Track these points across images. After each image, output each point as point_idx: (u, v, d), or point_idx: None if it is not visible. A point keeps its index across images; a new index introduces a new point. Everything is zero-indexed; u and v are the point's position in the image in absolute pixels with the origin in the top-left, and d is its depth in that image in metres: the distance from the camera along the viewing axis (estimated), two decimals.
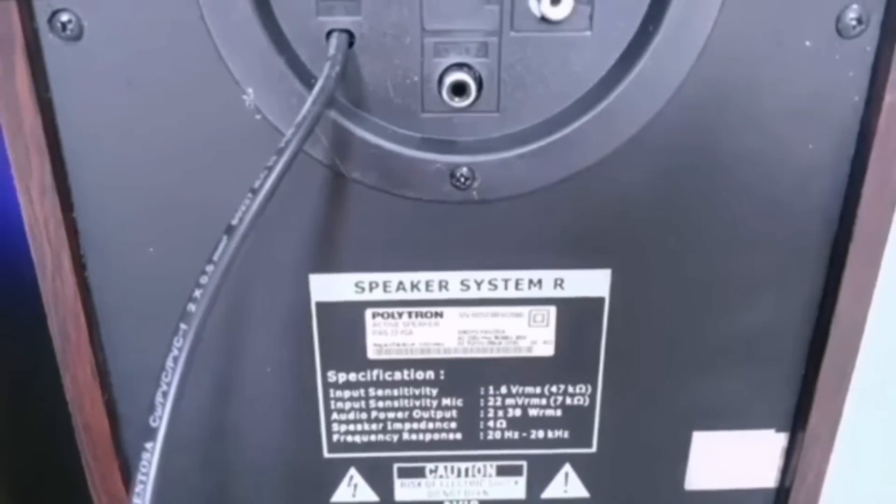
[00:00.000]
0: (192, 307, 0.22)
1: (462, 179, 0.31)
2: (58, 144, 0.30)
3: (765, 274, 0.33)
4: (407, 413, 0.36)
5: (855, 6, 0.29)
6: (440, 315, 0.34)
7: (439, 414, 0.36)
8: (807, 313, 0.34)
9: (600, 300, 0.34)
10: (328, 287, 0.33)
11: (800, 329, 0.34)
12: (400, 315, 0.34)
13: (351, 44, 0.29)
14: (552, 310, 0.34)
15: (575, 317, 0.34)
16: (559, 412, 0.36)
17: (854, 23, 0.29)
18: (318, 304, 0.34)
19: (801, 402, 0.36)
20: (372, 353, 0.35)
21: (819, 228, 0.32)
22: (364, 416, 0.36)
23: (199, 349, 0.22)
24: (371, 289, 0.33)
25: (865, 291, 0.32)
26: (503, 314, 0.34)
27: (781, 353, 0.35)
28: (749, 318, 0.34)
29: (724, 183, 0.31)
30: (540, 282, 0.33)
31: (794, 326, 0.34)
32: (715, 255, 0.33)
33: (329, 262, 0.33)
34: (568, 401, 0.36)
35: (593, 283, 0.34)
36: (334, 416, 0.36)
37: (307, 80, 0.29)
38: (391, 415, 0.36)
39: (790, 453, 0.37)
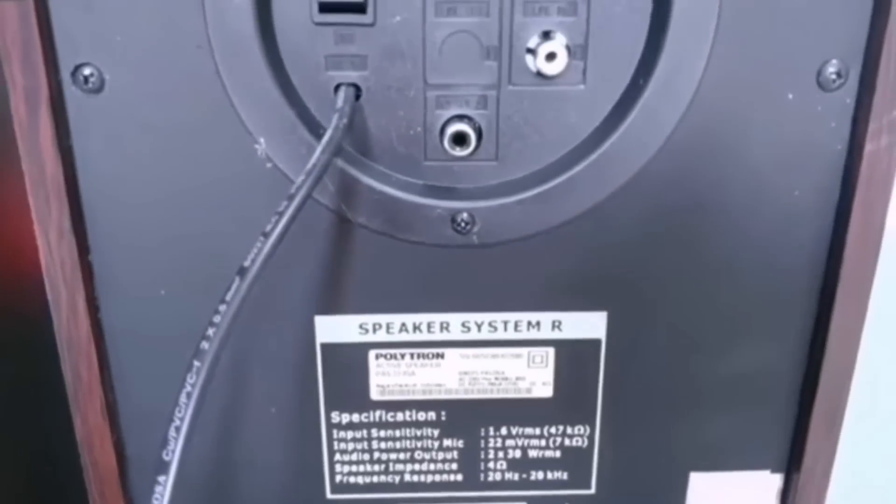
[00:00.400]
0: (205, 345, 0.23)
1: (463, 224, 0.32)
2: (76, 190, 0.31)
3: (756, 316, 0.34)
4: (409, 454, 0.37)
5: (834, 61, 0.30)
6: (441, 356, 0.35)
7: (440, 455, 0.37)
8: (797, 354, 0.35)
9: (597, 342, 0.35)
10: (333, 329, 0.34)
11: (791, 369, 0.35)
12: (402, 356, 0.35)
13: (358, 97, 0.30)
14: (550, 351, 0.35)
15: (573, 358, 0.35)
16: (558, 453, 0.37)
17: (834, 76, 0.30)
18: (323, 346, 0.34)
19: (794, 443, 0.36)
20: (375, 394, 0.36)
21: (807, 271, 0.33)
22: (367, 457, 0.37)
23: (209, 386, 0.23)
24: (375, 330, 0.34)
25: (853, 333, 0.33)
26: (503, 355, 0.35)
27: (774, 393, 0.36)
28: (742, 359, 0.35)
29: (714, 228, 0.33)
30: (538, 324, 0.34)
31: (786, 367, 0.35)
32: (707, 297, 0.34)
33: (334, 304, 0.34)
34: (567, 442, 0.37)
35: (590, 325, 0.35)
36: (337, 456, 0.37)
37: (316, 130, 0.30)
38: (393, 456, 0.37)
39: (786, 493, 0.38)
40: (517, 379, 0.36)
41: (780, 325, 0.34)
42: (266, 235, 0.25)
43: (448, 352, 0.35)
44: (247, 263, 0.24)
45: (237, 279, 0.24)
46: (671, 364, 0.35)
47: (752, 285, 0.34)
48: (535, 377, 0.36)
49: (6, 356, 0.41)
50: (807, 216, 0.33)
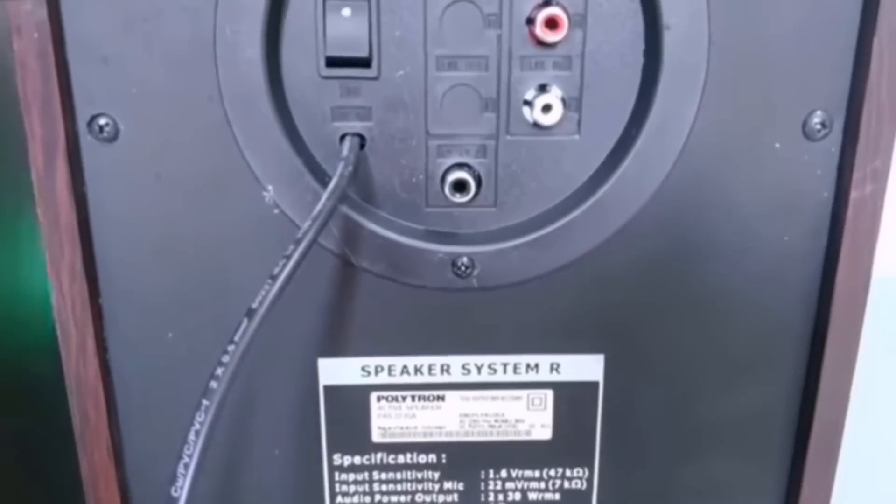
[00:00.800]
0: (214, 384, 0.24)
1: (463, 268, 0.33)
2: (89, 235, 0.32)
3: (750, 359, 0.35)
4: (409, 497, 0.37)
5: (819, 112, 0.32)
6: (442, 399, 0.36)
7: (441, 498, 0.37)
8: (791, 396, 0.35)
9: (594, 385, 0.35)
10: (336, 371, 0.35)
11: (786, 412, 0.36)
12: (404, 398, 0.36)
13: (362, 146, 0.32)
14: (549, 394, 0.36)
15: (571, 401, 0.36)
16: (557, 496, 0.37)
17: (819, 127, 0.32)
18: (326, 388, 0.35)
19: (790, 484, 0.37)
20: (376, 437, 0.36)
21: (798, 315, 0.34)
22: (368, 499, 0.37)
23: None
24: (377, 372, 0.35)
25: (845, 375, 0.34)
26: (502, 398, 0.36)
27: (770, 435, 0.36)
28: (737, 401, 0.35)
29: (707, 272, 0.34)
30: (537, 366, 0.35)
31: (781, 409, 0.36)
32: (701, 341, 0.35)
33: (337, 347, 0.34)
34: (566, 484, 0.37)
35: (588, 367, 0.35)
36: (339, 499, 0.37)
37: (322, 178, 0.31)
38: (394, 498, 0.37)
39: None
40: (517, 421, 0.36)
41: (774, 367, 0.35)
42: (274, 278, 0.26)
43: (449, 394, 0.36)
44: (255, 305, 0.25)
45: (245, 320, 0.25)
46: (668, 406, 0.36)
47: (746, 329, 0.34)
48: (534, 419, 0.36)
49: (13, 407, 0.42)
50: (797, 261, 0.34)
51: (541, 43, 0.30)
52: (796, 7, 0.30)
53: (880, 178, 0.32)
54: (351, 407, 0.35)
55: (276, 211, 0.32)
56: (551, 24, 0.30)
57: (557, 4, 0.30)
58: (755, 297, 0.34)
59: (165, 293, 0.33)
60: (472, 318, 0.34)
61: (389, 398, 0.36)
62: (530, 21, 0.30)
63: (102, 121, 0.31)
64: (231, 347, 0.24)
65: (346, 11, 0.30)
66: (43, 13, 0.29)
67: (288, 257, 0.27)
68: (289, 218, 0.32)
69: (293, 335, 0.34)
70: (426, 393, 0.35)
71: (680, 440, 0.36)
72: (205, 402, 0.23)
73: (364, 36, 0.30)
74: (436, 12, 0.30)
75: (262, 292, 0.26)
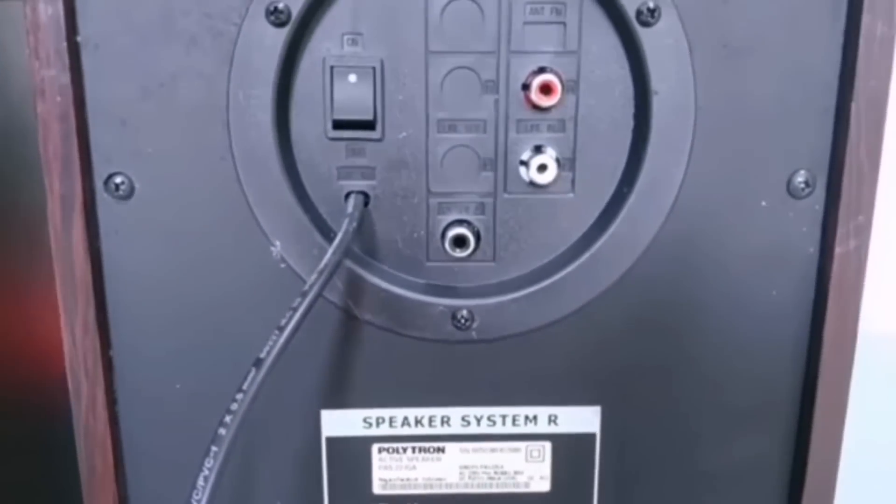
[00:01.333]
0: (222, 431, 0.24)
1: (462, 321, 0.34)
2: (102, 289, 0.33)
3: (744, 409, 0.36)
4: None
5: (802, 171, 0.33)
6: (442, 450, 0.36)
7: None
8: (785, 445, 0.36)
9: (592, 436, 0.36)
10: (338, 423, 0.36)
11: (780, 460, 0.36)
12: (404, 450, 0.36)
13: (366, 203, 0.33)
14: (547, 445, 0.36)
15: (569, 452, 0.36)
16: None
17: (803, 185, 0.33)
18: (329, 439, 0.36)
19: None
20: (377, 488, 0.37)
21: (789, 366, 0.35)
22: None
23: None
24: (378, 424, 0.36)
25: (837, 424, 0.35)
26: (501, 449, 0.36)
27: (765, 482, 0.37)
28: (732, 450, 0.36)
29: (699, 325, 0.35)
30: (535, 418, 0.36)
31: (774, 457, 0.36)
32: (695, 392, 0.35)
33: (340, 399, 0.35)
34: None
35: (585, 419, 0.36)
36: None
37: (327, 233, 0.33)
38: None
39: None
40: (515, 473, 0.37)
41: (768, 416, 0.36)
42: (281, 329, 0.27)
43: (448, 446, 0.36)
44: (262, 355, 0.26)
45: (253, 370, 0.26)
46: (664, 457, 0.36)
47: (739, 380, 0.35)
48: (533, 471, 0.37)
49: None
50: (786, 314, 0.35)
51: (536, 107, 0.32)
52: (778, 73, 0.32)
53: (863, 234, 0.33)
54: (352, 458, 0.36)
55: (282, 265, 0.33)
56: (545, 89, 0.32)
57: (551, 71, 0.32)
58: (747, 350, 0.35)
59: (174, 345, 0.34)
60: (472, 369, 0.35)
61: (390, 450, 0.36)
62: (526, 87, 0.32)
63: (118, 179, 0.32)
64: (239, 396, 0.25)
65: (353, 77, 0.32)
66: (66, 78, 0.31)
67: (294, 309, 0.28)
68: (295, 272, 0.33)
69: (297, 387, 0.35)
70: (426, 445, 0.36)
71: (676, 490, 0.37)
72: (213, 448, 0.24)
73: (369, 100, 0.32)
74: (437, 78, 0.32)
75: (270, 342, 0.27)
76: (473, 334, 0.34)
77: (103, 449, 0.34)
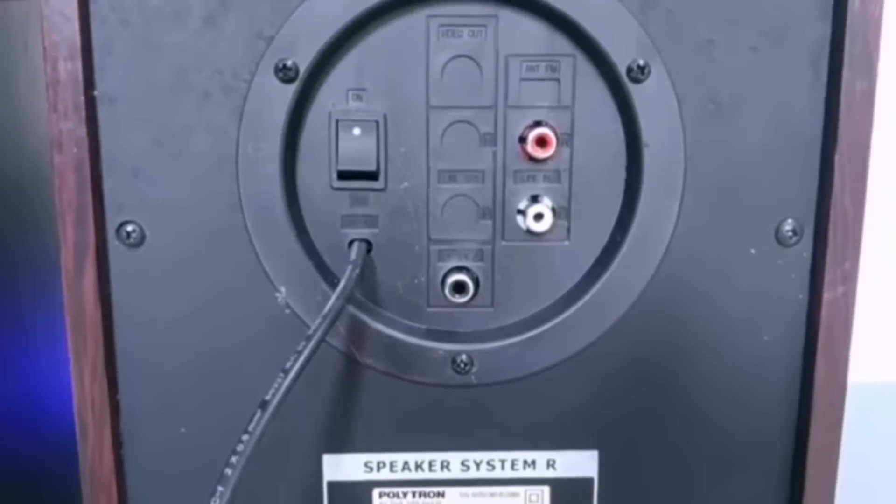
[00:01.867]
0: (228, 471, 0.25)
1: (462, 365, 0.35)
2: (111, 334, 0.34)
3: (737, 453, 0.36)
4: None
5: (790, 220, 0.34)
6: (442, 495, 0.37)
7: None
8: (779, 488, 0.36)
9: (590, 481, 0.37)
10: (340, 467, 0.36)
11: (774, 503, 0.37)
12: (405, 495, 0.37)
13: (369, 251, 0.34)
14: (546, 490, 0.37)
15: (567, 497, 0.37)
16: None
17: (790, 234, 0.34)
18: (330, 484, 0.36)
19: None
20: None
21: (782, 411, 0.36)
22: None
23: None
24: (379, 468, 0.36)
25: (830, 468, 0.35)
26: (501, 494, 0.37)
27: None
28: (727, 495, 0.36)
29: (693, 370, 0.35)
30: (534, 462, 0.36)
31: (769, 501, 0.37)
32: (691, 436, 0.36)
33: (342, 443, 0.36)
34: None
35: (583, 463, 0.36)
36: None
37: (331, 280, 0.34)
38: None
39: None
40: None
41: (761, 461, 0.36)
42: (285, 372, 0.28)
43: (448, 490, 0.37)
44: (268, 397, 0.27)
45: (259, 411, 0.27)
46: (660, 501, 0.36)
47: (732, 424, 0.36)
48: None
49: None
50: (778, 359, 0.35)
51: (532, 159, 0.34)
52: (763, 127, 0.33)
53: (850, 280, 0.34)
54: (353, 503, 0.36)
55: (287, 311, 0.34)
56: (541, 142, 0.33)
57: (546, 125, 0.33)
58: (741, 394, 0.36)
59: (180, 389, 0.35)
60: (471, 414, 0.35)
61: (391, 494, 0.36)
62: (522, 139, 0.34)
63: (130, 227, 0.33)
64: (245, 437, 0.26)
65: (357, 130, 0.33)
66: (82, 131, 0.32)
67: (299, 353, 0.29)
68: (299, 317, 0.34)
69: (300, 431, 0.35)
70: (427, 489, 0.36)
71: None
72: (220, 488, 0.25)
73: (372, 152, 0.33)
74: (437, 131, 0.33)
75: (275, 385, 0.27)
76: (473, 378, 0.35)
77: (108, 492, 0.34)
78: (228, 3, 0.32)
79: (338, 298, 0.31)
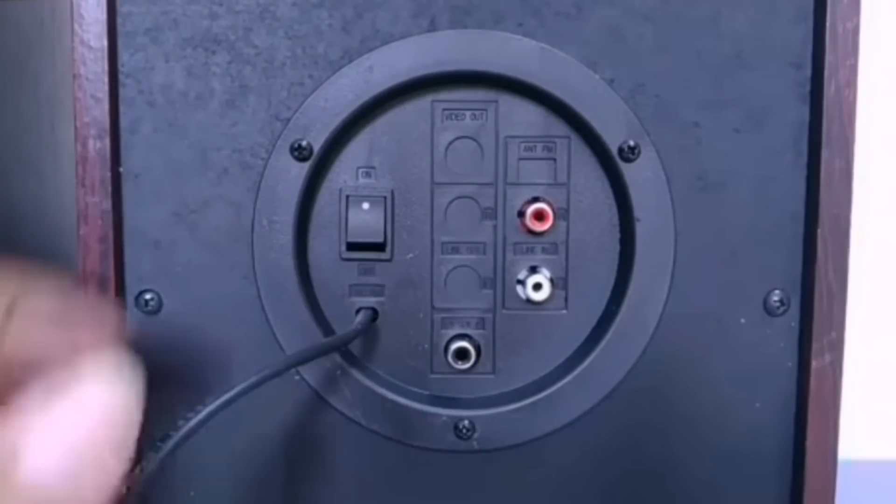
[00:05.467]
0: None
1: (464, 431, 0.36)
2: None
3: None
4: None
5: (777, 291, 0.36)
6: None
7: None
8: None
9: None
10: None
11: None
12: None
13: (375, 318, 0.36)
14: None
15: None
16: None
17: (778, 304, 0.36)
18: None
19: None
20: None
21: (775, 479, 0.36)
22: None
23: None
24: None
25: None
26: None
27: None
28: None
29: (688, 436, 0.36)
30: None
31: None
32: (688, 501, 0.37)
33: None
34: None
35: None
36: None
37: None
38: None
39: None
40: None
41: None
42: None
43: None
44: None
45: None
46: None
47: (727, 490, 0.36)
48: None
49: None
50: (769, 427, 0.36)
51: (531, 232, 0.35)
52: (749, 203, 0.35)
53: (837, 349, 0.35)
54: None
55: (296, 377, 0.35)
56: (539, 216, 0.35)
57: (544, 201, 0.35)
58: (735, 460, 0.36)
59: (192, 453, 0.35)
60: (473, 479, 0.36)
61: None
62: (521, 214, 0.36)
63: (148, 296, 0.35)
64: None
65: (366, 205, 0.35)
66: (108, 205, 0.34)
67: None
68: (308, 384, 0.35)
69: (303, 497, 0.36)
70: None
71: None
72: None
73: (380, 225, 0.35)
74: (441, 206, 0.36)
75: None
76: (475, 444, 0.36)
77: None
78: (248, 87, 0.34)
79: (323, 347, 0.33)
